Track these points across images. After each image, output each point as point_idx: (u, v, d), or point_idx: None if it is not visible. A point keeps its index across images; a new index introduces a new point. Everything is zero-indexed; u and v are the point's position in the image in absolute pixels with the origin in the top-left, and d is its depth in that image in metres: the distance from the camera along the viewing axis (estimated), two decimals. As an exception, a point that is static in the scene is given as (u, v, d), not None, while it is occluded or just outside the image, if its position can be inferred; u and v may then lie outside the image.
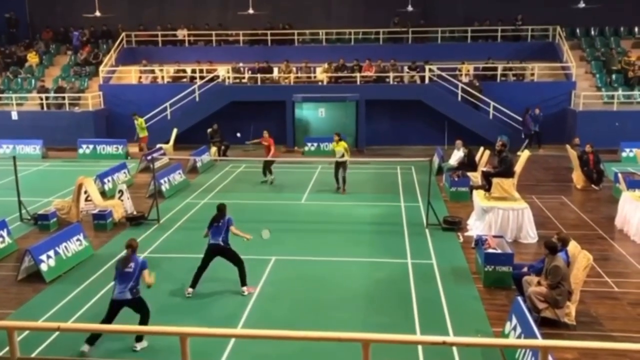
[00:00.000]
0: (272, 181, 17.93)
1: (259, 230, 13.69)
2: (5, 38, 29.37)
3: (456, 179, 16.20)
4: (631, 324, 8.98)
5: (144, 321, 8.27)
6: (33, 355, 7.89)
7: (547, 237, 10.00)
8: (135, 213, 14.52)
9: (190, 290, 10.10)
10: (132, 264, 8.31)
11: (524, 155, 15.93)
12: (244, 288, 10.12)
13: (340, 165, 16.70)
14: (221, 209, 10.38)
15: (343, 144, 16.72)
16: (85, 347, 8.09)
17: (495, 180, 13.02)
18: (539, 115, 22.81)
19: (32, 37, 29.59)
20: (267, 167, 17.97)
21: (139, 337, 8.32)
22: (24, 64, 27.53)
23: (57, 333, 8.53)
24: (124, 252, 8.71)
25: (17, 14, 29.53)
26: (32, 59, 27.65)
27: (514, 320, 8.00)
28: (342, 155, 16.56)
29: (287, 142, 23.97)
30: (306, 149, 23.15)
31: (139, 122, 22.38)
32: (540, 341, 6.27)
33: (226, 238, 10.21)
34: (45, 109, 24.93)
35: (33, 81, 26.40)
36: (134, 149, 23.28)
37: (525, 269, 9.60)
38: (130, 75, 26.23)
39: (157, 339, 8.16)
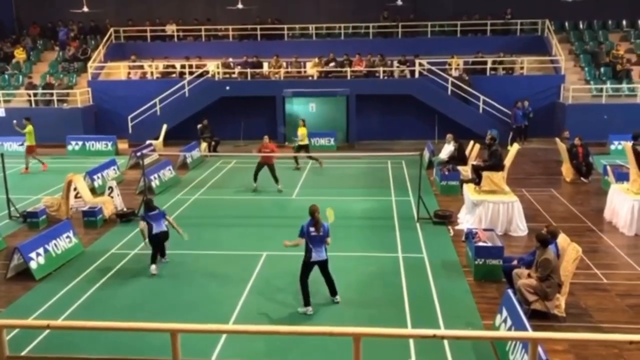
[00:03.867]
0: (281, 188, 16.57)
1: (249, 226, 13.74)
2: (-10, 34, 29.11)
3: (446, 172, 16.24)
4: (620, 315, 9.06)
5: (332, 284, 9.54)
6: (23, 353, 7.84)
7: (537, 230, 10.05)
8: (125, 209, 14.45)
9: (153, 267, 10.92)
10: (321, 230, 9.18)
11: (514, 148, 15.99)
12: (153, 266, 10.83)
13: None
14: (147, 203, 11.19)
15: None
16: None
17: (485, 174, 13.08)
18: (528, 108, 22.90)
19: (19, 33, 29.30)
20: (272, 173, 16.54)
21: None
22: (11, 61, 27.26)
23: (47, 331, 8.49)
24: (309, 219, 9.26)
25: (3, 9, 29.21)
26: (20, 55, 27.40)
27: (505, 313, 8.04)
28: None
29: (278, 137, 23.92)
30: (297, 144, 23.06)
31: (28, 129, 19.67)
32: (530, 333, 6.30)
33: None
34: (33, 105, 24.73)
35: (20, 77, 26.16)
36: (123, 145, 23.17)
37: (515, 262, 9.65)
38: (119, 71, 26.08)
39: (148, 336, 8.13)
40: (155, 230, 10.79)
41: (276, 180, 16.57)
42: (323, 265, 9.36)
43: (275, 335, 7.77)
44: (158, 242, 10.92)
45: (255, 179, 16.67)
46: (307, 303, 9.24)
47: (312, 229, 9.13)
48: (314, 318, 8.99)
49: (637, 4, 26.12)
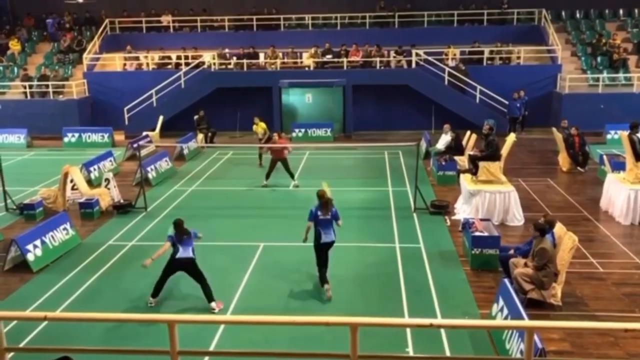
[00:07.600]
0: (298, 184, 16.07)
1: (247, 217, 13.75)
2: (-15, 26, 28.89)
3: (443, 163, 16.25)
4: (615, 303, 9.11)
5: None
6: (20, 345, 7.85)
7: (534, 220, 10.08)
8: (122, 201, 14.44)
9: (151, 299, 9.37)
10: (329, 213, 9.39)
11: (510, 138, 16.02)
12: (213, 304, 9.12)
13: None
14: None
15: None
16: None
17: (482, 164, 13.08)
18: (524, 98, 22.85)
19: (13, 23, 29.09)
20: (287, 168, 15.96)
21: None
22: (5, 52, 27.09)
23: (44, 323, 8.50)
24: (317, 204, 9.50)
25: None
26: (14, 46, 27.22)
27: (501, 302, 8.08)
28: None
29: (274, 128, 23.83)
30: (294, 135, 23.07)
31: None
32: (526, 322, 6.31)
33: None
34: (29, 97, 24.61)
35: (16, 69, 26.01)
36: (119, 136, 23.10)
37: (511, 251, 9.68)
38: (115, 62, 25.93)
39: (145, 327, 8.15)
40: (179, 254, 9.18)
41: (292, 175, 16.01)
42: (330, 246, 9.56)
43: (271, 325, 7.79)
44: (173, 270, 9.31)
45: (267, 177, 16.07)
46: (322, 284, 9.46)
47: (320, 212, 9.37)
48: (311, 308, 9.02)
49: (633, -7, 26.11)
